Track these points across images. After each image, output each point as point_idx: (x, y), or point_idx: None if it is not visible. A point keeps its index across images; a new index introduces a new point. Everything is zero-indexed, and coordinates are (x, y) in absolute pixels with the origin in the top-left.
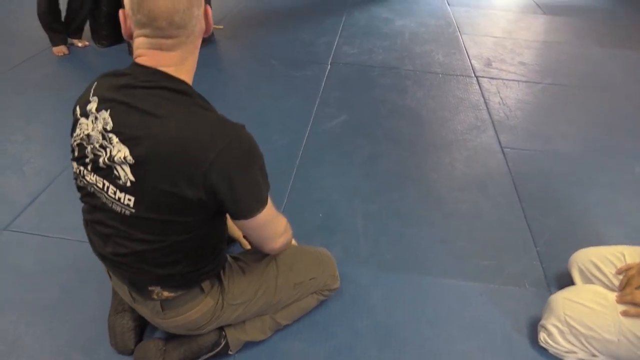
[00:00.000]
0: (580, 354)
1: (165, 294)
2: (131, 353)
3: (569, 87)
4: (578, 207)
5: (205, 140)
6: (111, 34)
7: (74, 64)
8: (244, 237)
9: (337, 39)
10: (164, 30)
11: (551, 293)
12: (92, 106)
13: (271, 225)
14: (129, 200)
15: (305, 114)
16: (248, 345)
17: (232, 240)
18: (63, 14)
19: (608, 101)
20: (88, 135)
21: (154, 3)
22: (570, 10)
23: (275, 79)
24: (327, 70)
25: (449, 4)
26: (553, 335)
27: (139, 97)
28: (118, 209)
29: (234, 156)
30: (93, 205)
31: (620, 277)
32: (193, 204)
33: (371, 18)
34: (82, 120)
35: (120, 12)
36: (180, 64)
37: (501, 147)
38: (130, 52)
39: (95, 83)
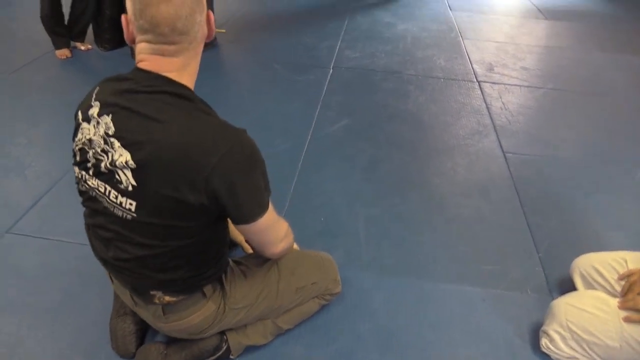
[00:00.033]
0: None
1: (167, 298)
2: (132, 356)
3: (571, 92)
4: (580, 212)
5: (207, 145)
6: (114, 37)
7: (76, 67)
8: (246, 241)
9: (339, 43)
10: (167, 36)
11: (553, 298)
12: (94, 111)
13: (272, 229)
14: (131, 204)
15: (308, 118)
16: (249, 349)
17: (234, 244)
18: (66, 17)
19: (609, 106)
20: (90, 140)
21: (156, 9)
22: (571, 15)
23: (278, 83)
24: (329, 75)
25: (451, 9)
26: (555, 341)
27: (141, 102)
28: (119, 213)
29: (236, 161)
30: (94, 210)
31: (622, 282)
32: (195, 208)
33: (373, 22)
34: (84, 124)
35: (123, 17)
36: (182, 69)
37: (503, 152)
38: (133, 56)
39: (97, 88)
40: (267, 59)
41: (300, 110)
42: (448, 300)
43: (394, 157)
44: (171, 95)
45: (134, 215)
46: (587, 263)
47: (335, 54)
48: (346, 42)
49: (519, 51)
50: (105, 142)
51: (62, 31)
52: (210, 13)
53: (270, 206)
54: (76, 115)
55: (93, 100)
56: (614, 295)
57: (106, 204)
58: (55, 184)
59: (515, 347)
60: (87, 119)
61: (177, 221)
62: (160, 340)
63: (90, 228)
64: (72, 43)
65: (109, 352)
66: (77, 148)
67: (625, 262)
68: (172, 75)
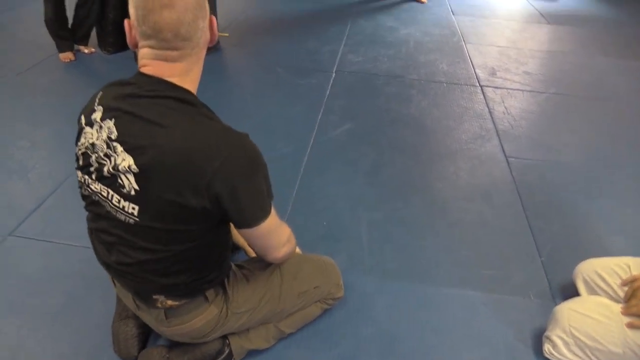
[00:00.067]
0: None
1: (169, 302)
2: None
3: (573, 97)
4: (582, 217)
5: (210, 150)
6: (117, 41)
7: (80, 70)
8: (248, 245)
9: (342, 47)
10: (169, 42)
11: (556, 304)
12: (97, 115)
13: (275, 234)
14: (133, 209)
15: (310, 122)
16: (252, 353)
17: (237, 248)
18: (70, 21)
19: (612, 111)
20: (93, 144)
21: (159, 15)
22: (574, 20)
23: (281, 86)
24: (332, 79)
25: (453, 14)
26: (558, 347)
27: (143, 107)
28: (122, 217)
29: (238, 165)
30: (97, 214)
31: (625, 288)
32: (197, 212)
33: (376, 27)
34: (87, 129)
35: (126, 22)
36: (185, 74)
37: (505, 156)
38: (136, 60)
39: (101, 92)
40: (270, 63)
41: (302, 114)
42: (450, 304)
43: (397, 162)
44: (174, 100)
45: (137, 219)
46: (590, 268)
47: (338, 58)
48: (349, 46)
49: (521, 56)
50: (108, 147)
51: (65, 34)
52: (213, 18)
53: (273, 211)
54: (79, 119)
55: (96, 104)
56: (617, 301)
57: (109, 208)
58: (59, 187)
59: (517, 353)
60: (90, 124)
61: (180, 225)
62: (163, 344)
63: (93, 232)
64: (76, 46)
65: (111, 355)
66: (80, 152)
67: (629, 267)
68: (174, 80)
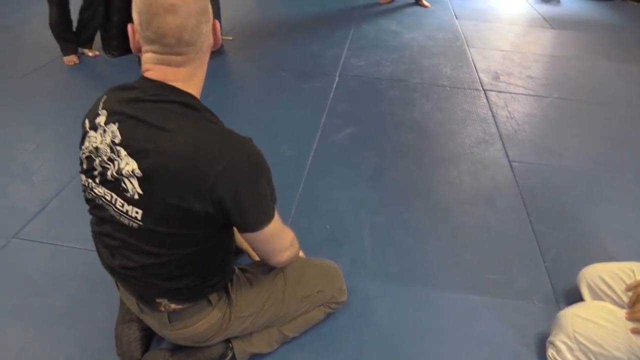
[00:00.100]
0: None
1: (173, 306)
2: None
3: (576, 102)
4: (586, 222)
5: (213, 154)
6: (121, 44)
7: (84, 73)
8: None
9: (345, 51)
10: (173, 47)
11: (560, 309)
12: (101, 119)
13: (278, 238)
14: (137, 213)
15: (314, 125)
16: (255, 357)
17: (240, 251)
18: (74, 24)
19: (615, 116)
20: (96, 148)
21: (163, 21)
22: (577, 25)
23: (284, 90)
24: (335, 82)
25: (457, 18)
26: (561, 352)
27: (147, 111)
28: (125, 221)
29: (241, 169)
30: (101, 218)
31: (630, 293)
32: (200, 217)
33: (379, 31)
34: (91, 133)
35: (129, 26)
36: (188, 79)
37: (509, 160)
38: (140, 63)
39: (105, 96)
40: (273, 67)
41: (306, 117)
42: (453, 309)
43: (400, 165)
44: (178, 104)
45: (140, 223)
46: (594, 273)
47: (341, 62)
48: (352, 50)
49: (525, 60)
50: (112, 151)
51: (70, 37)
52: (217, 23)
53: (276, 215)
54: (83, 123)
55: (100, 108)
56: (621, 306)
57: (112, 212)
58: (63, 190)
59: (521, 358)
60: (94, 127)
61: (183, 229)
62: (166, 347)
63: (97, 236)
64: (80, 49)
65: (114, 358)
66: (84, 156)
67: (633, 272)
68: (178, 85)
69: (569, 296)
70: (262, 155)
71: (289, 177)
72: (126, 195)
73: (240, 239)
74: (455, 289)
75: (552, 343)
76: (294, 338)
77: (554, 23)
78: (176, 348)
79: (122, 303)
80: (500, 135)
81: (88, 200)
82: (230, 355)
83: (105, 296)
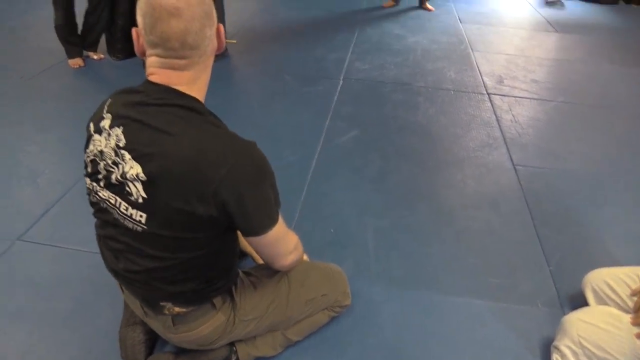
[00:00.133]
0: None
1: (177, 309)
2: None
3: (581, 105)
4: (591, 226)
5: (217, 158)
6: (126, 47)
7: (89, 76)
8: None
9: (349, 55)
10: (177, 50)
11: (564, 313)
12: (106, 123)
13: (282, 242)
14: (141, 216)
15: (317, 129)
16: None
17: (244, 255)
18: (80, 27)
19: (619, 119)
20: (101, 152)
21: (167, 24)
22: (581, 28)
23: (288, 94)
24: (339, 86)
25: (461, 21)
26: (566, 357)
27: (151, 115)
28: (130, 225)
29: (245, 173)
30: (105, 221)
31: (635, 298)
32: (204, 220)
33: (383, 34)
34: (96, 136)
35: (134, 30)
36: (192, 82)
37: (513, 164)
38: (145, 67)
39: (109, 100)
40: (277, 70)
41: (310, 121)
42: (457, 313)
43: (403, 169)
44: (182, 108)
45: (144, 227)
46: (599, 278)
47: (345, 66)
48: (356, 53)
49: (529, 64)
50: (116, 154)
51: (75, 40)
52: (221, 26)
53: (280, 219)
54: (88, 126)
55: (105, 112)
56: (626, 311)
57: (117, 216)
58: (67, 192)
59: None
60: (99, 131)
61: (187, 233)
62: (170, 350)
63: (101, 239)
64: (85, 52)
65: None
66: (88, 159)
67: (638, 277)
68: (182, 89)
69: (574, 300)
70: (266, 158)
71: (293, 181)
72: (130, 199)
73: (244, 242)
74: (459, 293)
75: (556, 348)
76: (297, 342)
77: (558, 27)
78: (180, 351)
79: (126, 306)
80: (505, 139)
81: (92, 204)
82: (234, 358)
83: (110, 299)
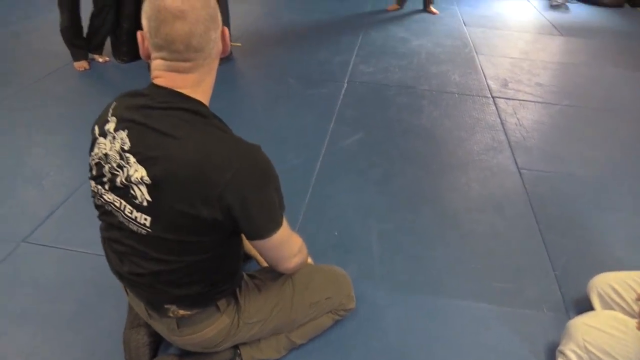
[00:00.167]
0: None
1: (181, 312)
2: None
3: (585, 109)
4: (596, 231)
5: (222, 162)
6: (131, 50)
7: (94, 79)
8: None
9: (353, 58)
10: (181, 53)
11: (569, 318)
12: (110, 126)
13: (286, 245)
14: (145, 220)
15: (322, 132)
16: None
17: (248, 257)
18: (85, 30)
19: (623, 123)
20: (106, 155)
21: (171, 27)
22: (585, 32)
23: (292, 97)
24: (344, 89)
25: (465, 25)
26: None
27: (156, 118)
28: (134, 228)
29: (250, 177)
30: (110, 224)
31: None
32: (209, 224)
33: (388, 38)
34: (101, 139)
35: (139, 33)
36: (196, 85)
37: (518, 168)
38: (150, 70)
39: (114, 103)
40: (281, 73)
41: (314, 124)
42: (461, 317)
43: (408, 172)
44: (186, 111)
45: (149, 230)
46: (605, 282)
47: (350, 69)
48: (360, 56)
49: (533, 67)
50: (121, 158)
51: (80, 43)
52: (226, 29)
53: (284, 222)
54: (93, 129)
55: (109, 115)
56: (631, 316)
57: (121, 219)
58: (72, 194)
59: None
60: (104, 134)
61: (192, 237)
62: (174, 353)
63: (106, 241)
64: (91, 55)
65: None
66: (93, 162)
67: None
68: (186, 91)
69: (579, 305)
70: (271, 162)
71: (297, 183)
72: (135, 202)
73: (248, 245)
74: (464, 297)
75: (562, 352)
76: (302, 345)
77: (563, 30)
78: (184, 354)
79: (130, 308)
80: (509, 143)
81: (97, 206)
82: None
83: (114, 301)
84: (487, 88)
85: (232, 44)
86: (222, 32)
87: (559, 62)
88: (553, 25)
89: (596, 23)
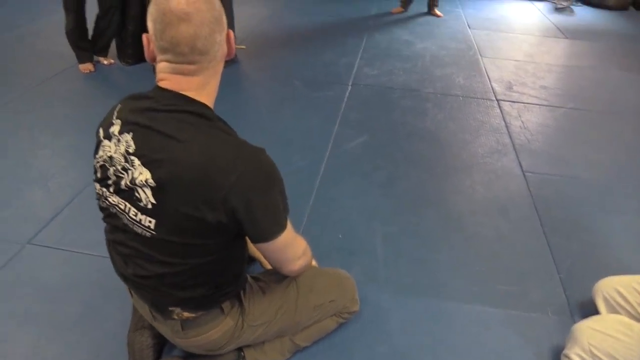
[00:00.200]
0: None
1: (186, 314)
2: None
3: (589, 112)
4: (601, 234)
5: (227, 165)
6: (136, 52)
7: (99, 81)
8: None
9: (357, 61)
10: (186, 56)
11: (574, 321)
12: (115, 129)
13: (290, 248)
14: (150, 222)
15: (326, 134)
16: None
17: (253, 260)
18: (90, 32)
19: (628, 126)
20: (110, 157)
21: (176, 30)
22: (590, 35)
23: (297, 99)
24: (348, 91)
25: (469, 27)
26: None
27: (161, 121)
28: (139, 230)
29: (254, 179)
30: (115, 226)
31: None
32: (213, 227)
33: (392, 40)
34: (105, 142)
35: (144, 36)
36: (201, 88)
37: (522, 171)
38: (155, 72)
39: (119, 105)
40: (286, 76)
41: (318, 126)
42: (466, 320)
43: (412, 175)
44: (191, 114)
45: (154, 232)
46: (610, 286)
47: (354, 71)
48: (365, 59)
49: (538, 70)
50: (126, 160)
51: (85, 46)
52: (231, 32)
53: (289, 224)
54: (97, 132)
55: (114, 118)
56: (637, 319)
57: (126, 221)
58: (77, 196)
59: None
60: (108, 137)
61: (196, 239)
62: (178, 355)
63: (111, 244)
64: (96, 57)
65: None
66: (98, 165)
67: None
68: (191, 94)
69: (584, 308)
70: (275, 165)
71: (302, 186)
72: (139, 205)
73: (252, 247)
74: (468, 300)
75: (567, 356)
76: (305, 347)
77: (568, 33)
78: (188, 356)
79: (134, 310)
80: (514, 146)
81: (102, 209)
82: None
83: (118, 303)
84: (491, 91)
85: (237, 46)
86: (227, 35)
87: (564, 64)
88: (558, 28)
89: (601, 26)
